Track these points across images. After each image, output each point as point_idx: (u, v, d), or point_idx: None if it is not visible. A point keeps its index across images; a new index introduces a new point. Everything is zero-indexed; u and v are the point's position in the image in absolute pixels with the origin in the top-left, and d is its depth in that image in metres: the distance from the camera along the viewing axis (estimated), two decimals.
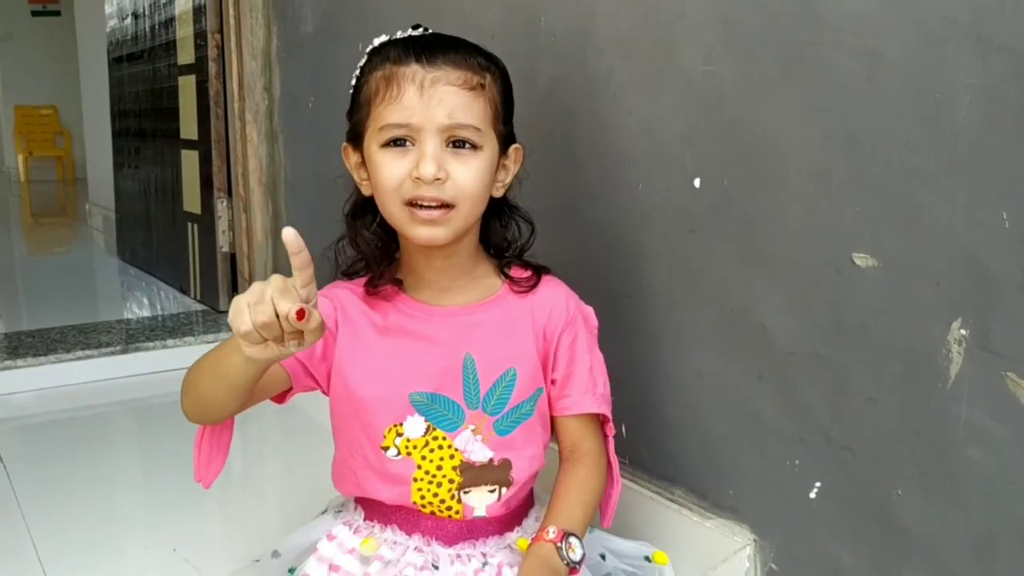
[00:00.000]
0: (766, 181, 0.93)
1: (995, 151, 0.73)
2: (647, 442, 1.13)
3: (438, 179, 0.85)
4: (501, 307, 0.95)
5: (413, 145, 0.86)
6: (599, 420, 0.97)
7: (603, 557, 0.98)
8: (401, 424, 0.91)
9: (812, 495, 0.92)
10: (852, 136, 0.84)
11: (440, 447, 0.91)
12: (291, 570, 0.96)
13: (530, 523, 0.97)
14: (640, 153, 1.09)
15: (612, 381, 1.17)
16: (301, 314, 0.70)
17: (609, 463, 0.97)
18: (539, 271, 0.97)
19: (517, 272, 0.97)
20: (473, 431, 0.92)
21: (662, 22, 1.04)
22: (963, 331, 0.77)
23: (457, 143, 0.86)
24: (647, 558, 0.99)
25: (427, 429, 0.91)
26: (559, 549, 0.86)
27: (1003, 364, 0.74)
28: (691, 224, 1.03)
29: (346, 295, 0.94)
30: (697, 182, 1.01)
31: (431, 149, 0.84)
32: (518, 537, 0.95)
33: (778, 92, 0.91)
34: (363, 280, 0.95)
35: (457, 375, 0.91)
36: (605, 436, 0.98)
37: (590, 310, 0.99)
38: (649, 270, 1.10)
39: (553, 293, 0.97)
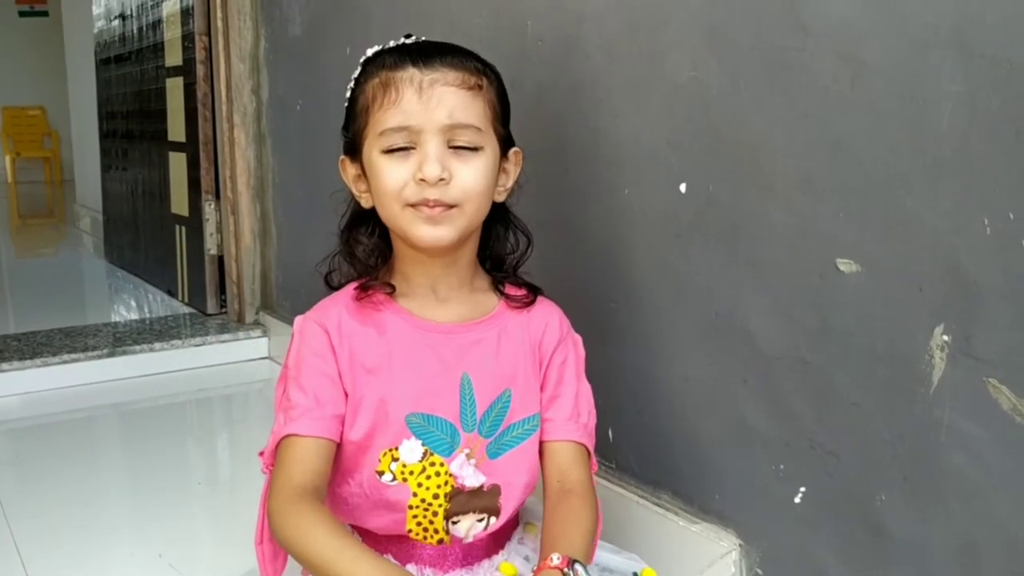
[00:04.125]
0: (751, 186, 0.94)
1: (977, 157, 0.74)
2: (633, 447, 1.13)
3: (442, 179, 0.82)
4: (498, 325, 0.92)
5: (414, 150, 0.84)
6: (586, 451, 0.94)
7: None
8: (396, 448, 0.87)
9: (797, 500, 0.92)
10: (836, 142, 0.85)
11: (437, 473, 0.87)
12: None
13: (512, 544, 0.95)
14: (626, 158, 1.09)
15: (599, 385, 1.17)
16: None
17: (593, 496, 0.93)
18: (534, 290, 0.95)
19: (512, 290, 0.95)
20: (467, 455, 0.88)
21: (648, 28, 1.04)
22: (945, 337, 0.77)
23: (458, 145, 0.84)
24: (635, 574, 0.96)
25: (424, 454, 0.87)
26: (565, 575, 0.78)
27: (985, 370, 0.74)
28: (677, 229, 1.03)
29: (336, 314, 0.89)
30: (683, 187, 1.01)
31: (433, 150, 0.82)
32: (502, 561, 0.91)
33: (763, 98, 0.91)
34: (350, 288, 0.91)
35: (454, 396, 0.88)
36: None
37: (579, 338, 0.97)
38: (635, 275, 1.10)
39: (548, 311, 0.95)
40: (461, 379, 0.88)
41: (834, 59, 0.84)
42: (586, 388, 0.95)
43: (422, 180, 0.82)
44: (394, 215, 0.86)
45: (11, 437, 1.73)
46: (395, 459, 0.86)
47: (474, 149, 0.85)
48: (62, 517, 1.32)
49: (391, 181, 0.84)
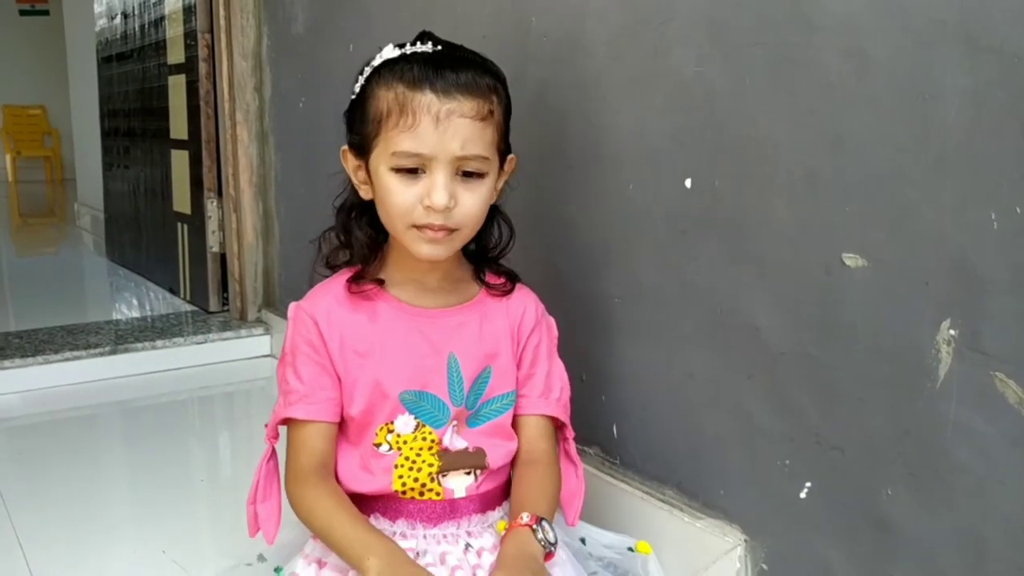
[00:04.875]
0: (756, 182, 0.94)
1: (983, 152, 0.73)
2: (638, 442, 1.13)
3: (448, 207, 0.88)
4: (480, 310, 0.99)
5: (424, 172, 0.88)
6: (555, 424, 1.02)
7: (583, 541, 0.99)
8: (392, 423, 0.94)
9: (802, 495, 0.92)
10: (841, 137, 0.85)
11: (424, 438, 0.94)
12: (277, 569, 0.96)
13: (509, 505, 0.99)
14: (630, 154, 1.09)
15: (603, 381, 1.17)
16: None
17: (573, 463, 1.01)
18: (512, 278, 1.02)
19: (492, 278, 1.02)
20: (455, 427, 0.96)
21: (652, 23, 1.04)
22: (952, 331, 0.77)
23: (466, 173, 0.90)
24: (630, 548, 1.00)
25: (416, 426, 0.94)
26: (535, 531, 0.87)
27: (992, 364, 0.74)
28: (682, 224, 1.03)
29: (327, 304, 0.95)
30: (688, 183, 1.01)
31: (443, 180, 0.87)
32: (500, 518, 0.97)
33: (768, 93, 0.91)
34: (342, 278, 0.96)
35: (442, 373, 0.95)
36: (565, 439, 1.02)
37: (552, 320, 1.04)
38: (640, 271, 1.10)
39: (525, 298, 1.02)
40: (448, 358, 0.95)
41: (839, 54, 0.84)
42: (558, 365, 1.03)
43: (429, 207, 0.88)
44: (398, 231, 0.92)
45: (13, 434, 1.73)
46: (390, 431, 0.94)
47: (479, 177, 0.91)
48: (65, 514, 1.32)
49: (399, 203, 0.89)
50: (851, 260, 0.85)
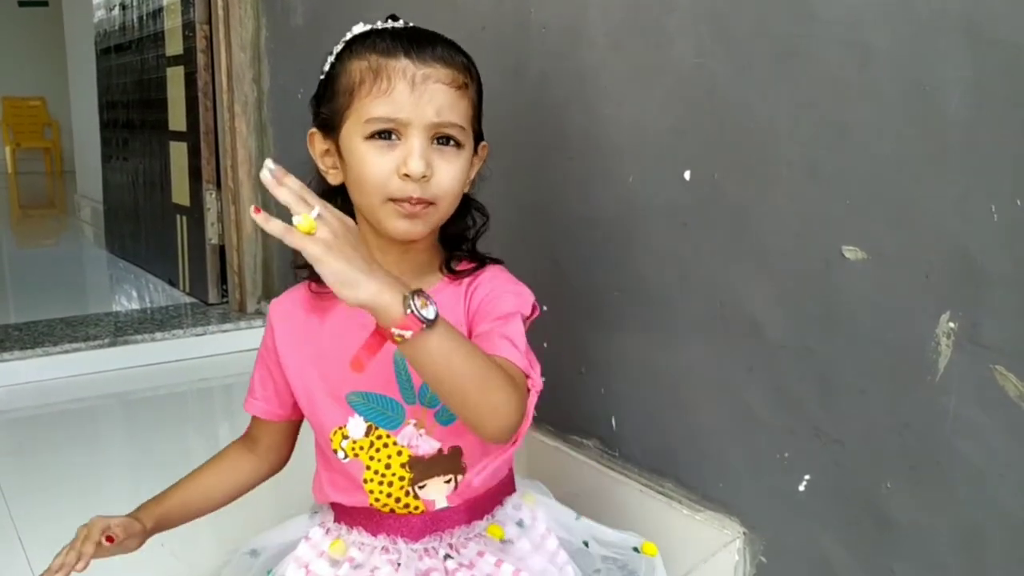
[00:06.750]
0: (757, 174, 0.93)
1: (985, 144, 0.73)
2: (637, 435, 1.13)
3: (424, 176, 0.83)
4: (435, 300, 0.87)
5: (399, 139, 0.84)
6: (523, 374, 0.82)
7: (586, 544, 0.97)
8: (344, 426, 0.90)
9: (801, 488, 0.92)
10: (842, 129, 0.84)
11: (385, 445, 0.90)
12: (269, 572, 0.95)
13: (507, 511, 0.95)
14: (631, 146, 1.08)
15: (602, 374, 1.17)
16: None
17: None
18: (484, 261, 0.92)
19: (465, 266, 0.92)
20: (415, 425, 0.90)
21: (653, 14, 1.03)
22: (952, 324, 0.77)
23: (442, 139, 0.85)
24: (636, 549, 0.98)
25: (368, 429, 0.90)
26: (406, 298, 0.70)
27: (991, 357, 0.74)
28: (682, 217, 1.03)
29: (285, 308, 0.95)
30: (688, 175, 1.01)
31: (419, 146, 0.83)
32: (488, 525, 0.92)
33: (769, 85, 0.91)
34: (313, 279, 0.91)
35: (389, 371, 0.89)
36: (528, 391, 0.81)
37: (526, 290, 0.90)
38: (639, 263, 1.09)
39: (489, 276, 0.90)
40: (394, 354, 0.87)
41: (840, 45, 0.83)
42: (518, 327, 0.85)
43: (406, 175, 0.83)
44: (372, 206, 0.86)
45: (13, 427, 1.72)
46: (345, 437, 0.90)
47: (457, 146, 0.86)
48: (64, 506, 1.32)
49: (374, 173, 0.84)
50: (851, 253, 0.84)
